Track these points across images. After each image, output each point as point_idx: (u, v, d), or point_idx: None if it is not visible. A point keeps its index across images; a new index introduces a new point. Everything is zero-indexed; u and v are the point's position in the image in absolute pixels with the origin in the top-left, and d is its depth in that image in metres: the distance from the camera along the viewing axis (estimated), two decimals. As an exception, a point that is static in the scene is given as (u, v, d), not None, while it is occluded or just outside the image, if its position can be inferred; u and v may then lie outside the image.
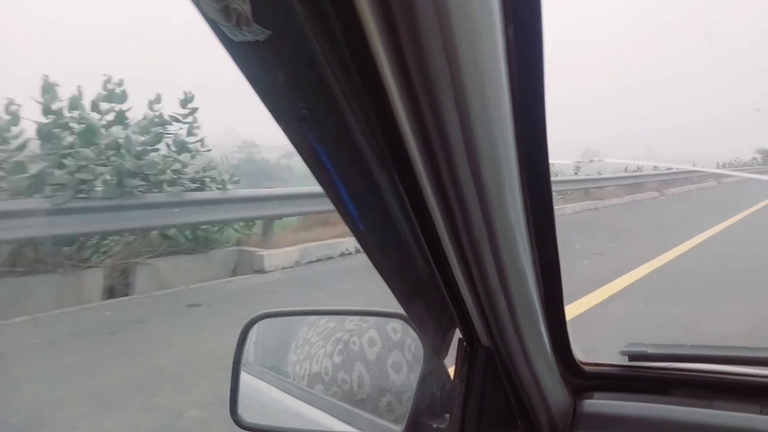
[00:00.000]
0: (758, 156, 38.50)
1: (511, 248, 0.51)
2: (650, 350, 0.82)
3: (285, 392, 1.16)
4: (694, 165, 21.57)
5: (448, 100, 0.36)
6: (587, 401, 0.78)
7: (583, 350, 0.78)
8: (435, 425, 0.70)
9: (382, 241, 0.54)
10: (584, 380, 0.79)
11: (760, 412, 0.71)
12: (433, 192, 0.43)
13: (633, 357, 0.82)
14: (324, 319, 1.15)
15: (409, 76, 0.34)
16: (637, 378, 0.81)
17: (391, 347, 0.97)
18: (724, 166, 25.40)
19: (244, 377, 1.19)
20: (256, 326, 1.17)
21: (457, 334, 0.63)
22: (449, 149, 0.39)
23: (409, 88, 0.35)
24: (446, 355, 0.64)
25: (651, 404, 0.76)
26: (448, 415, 0.66)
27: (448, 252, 0.50)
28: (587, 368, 0.79)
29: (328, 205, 0.49)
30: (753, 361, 0.81)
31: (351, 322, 1.09)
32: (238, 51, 0.35)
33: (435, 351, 0.64)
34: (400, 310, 0.61)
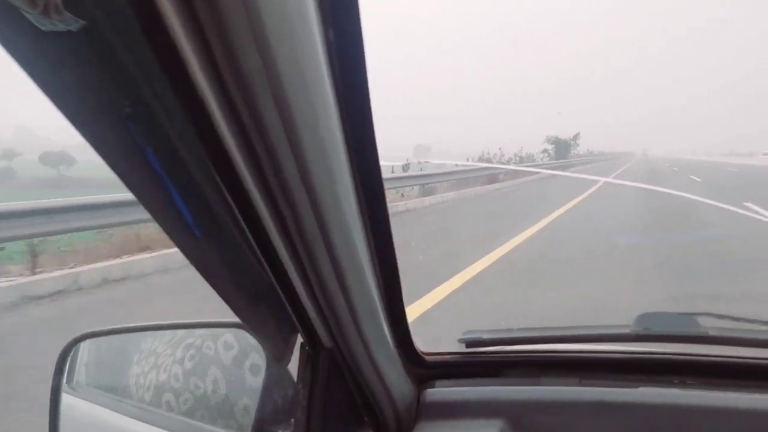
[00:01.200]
0: (549, 147, 31.32)
1: (348, 247, 0.51)
2: (485, 336, 0.87)
3: (123, 414, 1.04)
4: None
5: (267, 99, 0.35)
6: (429, 390, 0.81)
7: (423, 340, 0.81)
8: (280, 431, 0.68)
9: (217, 249, 0.50)
10: (426, 370, 0.82)
11: (579, 384, 0.79)
12: (260, 194, 0.42)
13: (470, 344, 0.87)
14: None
15: (220, 74, 0.33)
16: (474, 363, 0.86)
17: (250, 350, 0.93)
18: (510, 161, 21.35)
19: (73, 402, 1.05)
20: (84, 347, 1.04)
21: (300, 338, 0.61)
22: (272, 150, 0.38)
23: (222, 86, 0.33)
24: (289, 361, 0.62)
25: (486, 387, 0.82)
26: (293, 420, 0.65)
27: (282, 255, 0.48)
28: (428, 358, 0.82)
29: None
30: (573, 338, 0.89)
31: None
32: (42, 42, 0.31)
33: (276, 358, 0.62)
34: (237, 319, 0.58)
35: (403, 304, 0.69)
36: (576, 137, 34.91)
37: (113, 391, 1.13)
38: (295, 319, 0.57)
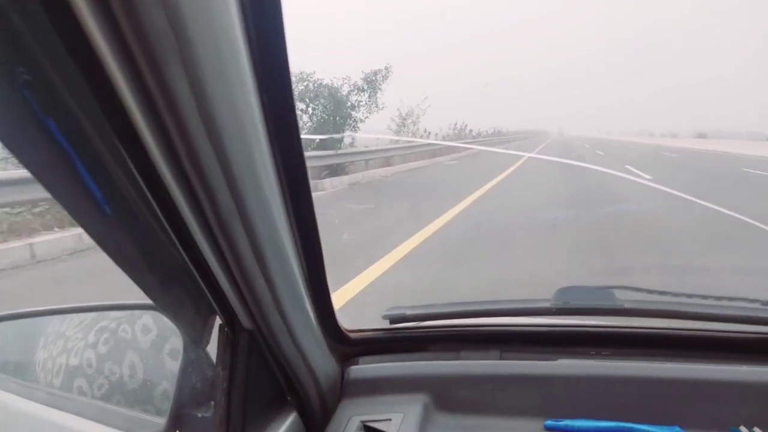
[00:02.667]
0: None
1: (268, 226, 0.49)
2: (408, 312, 0.87)
3: (30, 399, 0.97)
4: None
5: (175, 65, 0.32)
6: (353, 367, 0.81)
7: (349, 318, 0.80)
8: (200, 415, 0.66)
9: (127, 228, 0.47)
10: (350, 347, 0.81)
11: (500, 358, 0.81)
12: (169, 169, 0.39)
13: (393, 320, 0.87)
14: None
15: (122, 36, 0.30)
16: (397, 339, 0.86)
17: (169, 333, 0.89)
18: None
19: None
20: None
21: (218, 320, 0.59)
22: (182, 121, 0.35)
23: (125, 49, 0.31)
24: (207, 343, 0.60)
25: (409, 362, 0.82)
26: (213, 403, 0.63)
27: (195, 235, 0.46)
28: (352, 335, 0.81)
29: None
30: (494, 312, 0.90)
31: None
32: None
33: (194, 341, 0.59)
34: (151, 301, 0.55)
35: (326, 283, 0.67)
36: (385, 75, 11.54)
37: (19, 376, 1.05)
38: (212, 300, 0.55)
